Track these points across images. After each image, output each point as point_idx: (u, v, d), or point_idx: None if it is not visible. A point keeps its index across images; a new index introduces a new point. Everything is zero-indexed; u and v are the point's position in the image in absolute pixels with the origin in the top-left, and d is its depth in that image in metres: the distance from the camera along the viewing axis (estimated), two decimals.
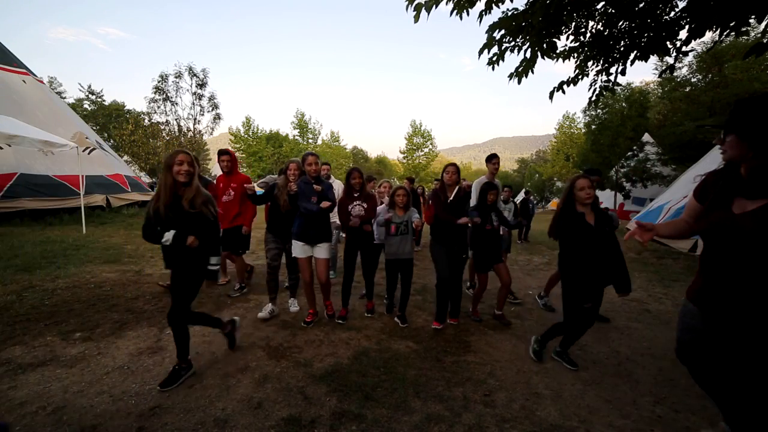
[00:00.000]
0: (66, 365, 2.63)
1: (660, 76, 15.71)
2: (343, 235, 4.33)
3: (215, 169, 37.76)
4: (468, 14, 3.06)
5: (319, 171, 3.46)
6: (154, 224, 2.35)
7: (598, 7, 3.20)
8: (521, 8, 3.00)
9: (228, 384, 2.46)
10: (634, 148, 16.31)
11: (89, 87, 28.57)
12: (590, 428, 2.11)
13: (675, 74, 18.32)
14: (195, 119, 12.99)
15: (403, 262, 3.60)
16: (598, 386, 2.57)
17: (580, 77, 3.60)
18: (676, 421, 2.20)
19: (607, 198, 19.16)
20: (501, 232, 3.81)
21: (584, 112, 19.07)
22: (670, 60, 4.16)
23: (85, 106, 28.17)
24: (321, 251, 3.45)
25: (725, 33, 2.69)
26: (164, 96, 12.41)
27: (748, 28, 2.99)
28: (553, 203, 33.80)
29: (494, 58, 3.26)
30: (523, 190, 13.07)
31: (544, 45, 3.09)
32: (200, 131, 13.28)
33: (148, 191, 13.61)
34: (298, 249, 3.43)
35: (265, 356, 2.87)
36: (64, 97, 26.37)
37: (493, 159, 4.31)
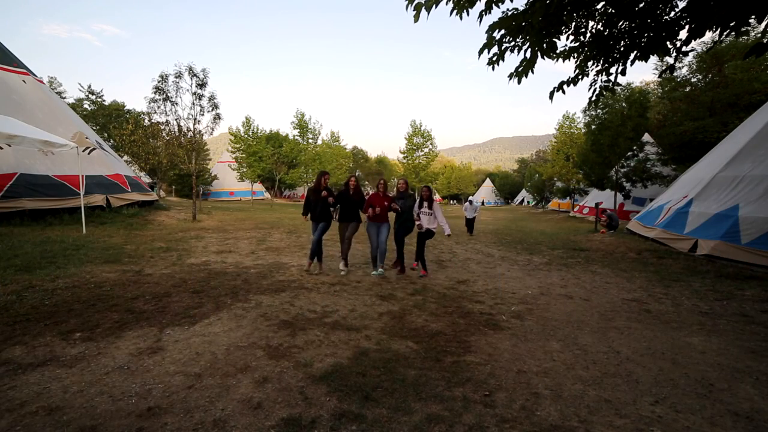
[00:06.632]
0: (66, 365, 2.63)
1: (660, 76, 15.75)
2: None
3: (215, 170, 37.78)
4: (468, 14, 3.06)
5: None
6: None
7: (598, 7, 3.19)
8: (521, 8, 3.00)
9: (228, 384, 2.46)
10: (634, 148, 16.29)
11: (89, 87, 28.53)
12: (590, 428, 2.11)
13: (675, 74, 18.34)
14: (195, 119, 12.94)
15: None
16: (598, 386, 2.57)
17: (580, 77, 3.59)
18: (676, 421, 2.20)
19: (607, 198, 19.16)
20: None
21: (584, 112, 19.05)
22: (670, 60, 4.14)
23: (85, 106, 28.13)
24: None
25: (725, 33, 2.69)
26: (164, 96, 12.37)
27: (748, 28, 3.00)
28: (554, 203, 33.80)
29: (494, 58, 3.26)
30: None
31: (544, 45, 3.09)
32: (200, 131, 13.23)
33: (149, 191, 13.60)
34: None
35: (265, 356, 2.87)
36: (64, 97, 26.34)
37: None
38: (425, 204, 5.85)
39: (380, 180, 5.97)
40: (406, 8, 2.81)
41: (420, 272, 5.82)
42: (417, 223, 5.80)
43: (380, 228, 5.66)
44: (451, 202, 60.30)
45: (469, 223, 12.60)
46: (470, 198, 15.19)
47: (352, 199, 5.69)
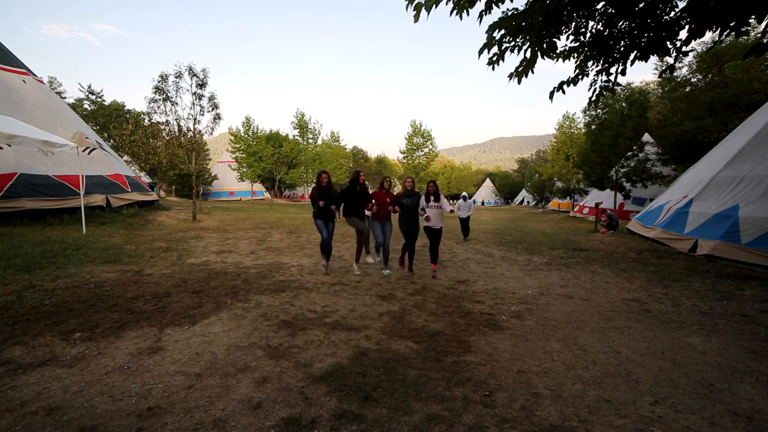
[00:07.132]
0: (66, 365, 2.64)
1: (660, 76, 15.74)
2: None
3: (215, 170, 37.78)
4: (468, 14, 3.06)
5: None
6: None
7: (598, 7, 3.20)
8: (521, 8, 3.00)
9: (228, 384, 2.46)
10: (634, 148, 16.29)
11: (89, 87, 28.50)
12: (590, 428, 2.11)
13: (675, 74, 18.32)
14: (195, 119, 12.94)
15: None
16: (598, 386, 2.57)
17: (580, 77, 3.59)
18: (676, 421, 2.20)
19: (607, 198, 19.16)
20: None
21: (584, 112, 19.06)
22: (670, 60, 4.15)
23: (85, 106, 28.12)
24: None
25: (725, 33, 2.69)
26: (164, 96, 12.36)
27: (748, 28, 3.00)
28: (554, 203, 33.79)
29: (494, 58, 3.26)
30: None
31: (544, 45, 3.09)
32: (200, 131, 13.22)
33: (148, 191, 13.59)
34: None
35: (265, 356, 2.87)
36: (64, 97, 26.32)
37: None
38: (432, 198, 5.68)
39: (385, 178, 6.03)
40: (406, 8, 2.81)
41: (432, 273, 5.81)
42: (423, 215, 5.65)
43: (384, 227, 5.77)
44: (452, 201, 60.39)
45: (464, 223, 10.71)
46: (464, 194, 11.67)
47: (358, 195, 5.76)
